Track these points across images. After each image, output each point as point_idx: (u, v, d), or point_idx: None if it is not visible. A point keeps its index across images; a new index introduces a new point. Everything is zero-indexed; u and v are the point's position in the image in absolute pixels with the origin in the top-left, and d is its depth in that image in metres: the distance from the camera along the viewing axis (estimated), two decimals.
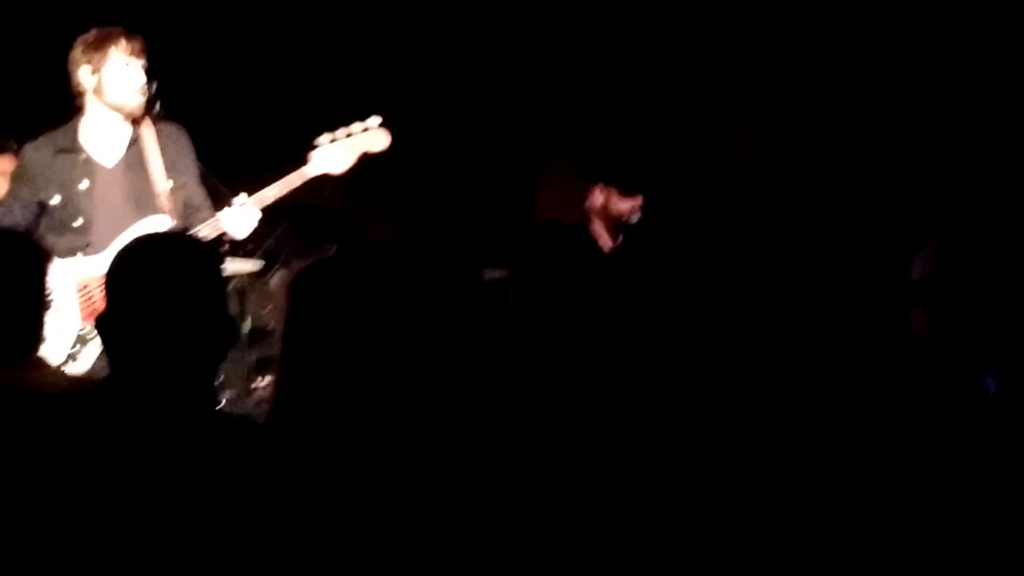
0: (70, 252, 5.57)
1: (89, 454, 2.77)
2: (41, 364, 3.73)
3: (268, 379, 7.19)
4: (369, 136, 5.84)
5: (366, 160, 5.85)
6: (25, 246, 3.83)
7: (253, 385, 7.04)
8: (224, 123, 6.76)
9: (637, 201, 6.88)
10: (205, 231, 5.65)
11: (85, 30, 5.69)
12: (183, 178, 5.79)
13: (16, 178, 5.73)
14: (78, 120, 5.73)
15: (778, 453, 3.43)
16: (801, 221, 7.56)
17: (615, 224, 6.92)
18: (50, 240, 5.55)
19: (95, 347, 5.51)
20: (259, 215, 5.67)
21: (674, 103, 8.39)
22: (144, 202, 5.68)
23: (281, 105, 8.34)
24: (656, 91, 8.44)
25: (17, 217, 5.61)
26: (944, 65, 7.50)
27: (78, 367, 5.53)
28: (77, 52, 5.66)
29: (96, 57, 5.63)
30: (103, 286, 5.20)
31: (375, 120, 5.84)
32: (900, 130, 7.44)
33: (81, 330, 5.55)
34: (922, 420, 3.47)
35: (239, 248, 6.20)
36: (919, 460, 3.40)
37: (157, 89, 5.81)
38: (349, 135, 5.80)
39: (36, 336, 3.70)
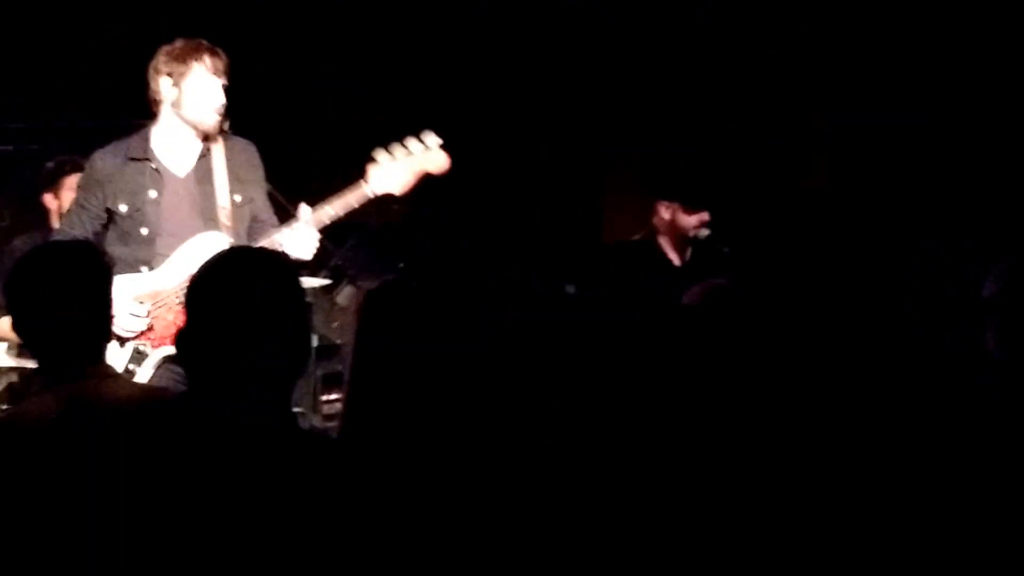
0: (134, 264, 5.50)
1: (164, 466, 2.78)
2: (113, 374, 3.76)
3: (335, 395, 7.20)
4: (428, 156, 5.72)
5: (427, 179, 5.77)
6: (93, 256, 3.86)
7: (321, 399, 7.06)
8: (282, 135, 6.75)
9: (703, 216, 6.87)
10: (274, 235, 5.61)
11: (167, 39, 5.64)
12: (250, 193, 5.74)
13: (84, 186, 5.67)
14: (150, 128, 5.66)
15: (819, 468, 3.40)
16: (867, 234, 7.50)
17: (683, 240, 6.91)
18: (116, 251, 5.51)
19: (152, 362, 5.47)
20: (318, 236, 5.60)
21: (739, 118, 8.34)
22: (208, 216, 5.63)
23: (338, 117, 8.34)
24: (720, 106, 8.40)
25: (85, 226, 5.57)
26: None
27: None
28: (159, 61, 5.60)
29: (179, 69, 5.56)
30: (162, 301, 5.25)
31: (433, 138, 5.73)
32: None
33: (140, 345, 5.50)
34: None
35: (305, 264, 6.18)
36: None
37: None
38: (407, 153, 5.69)
39: (103, 346, 3.73)
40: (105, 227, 5.60)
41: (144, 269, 5.51)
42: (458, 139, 6.14)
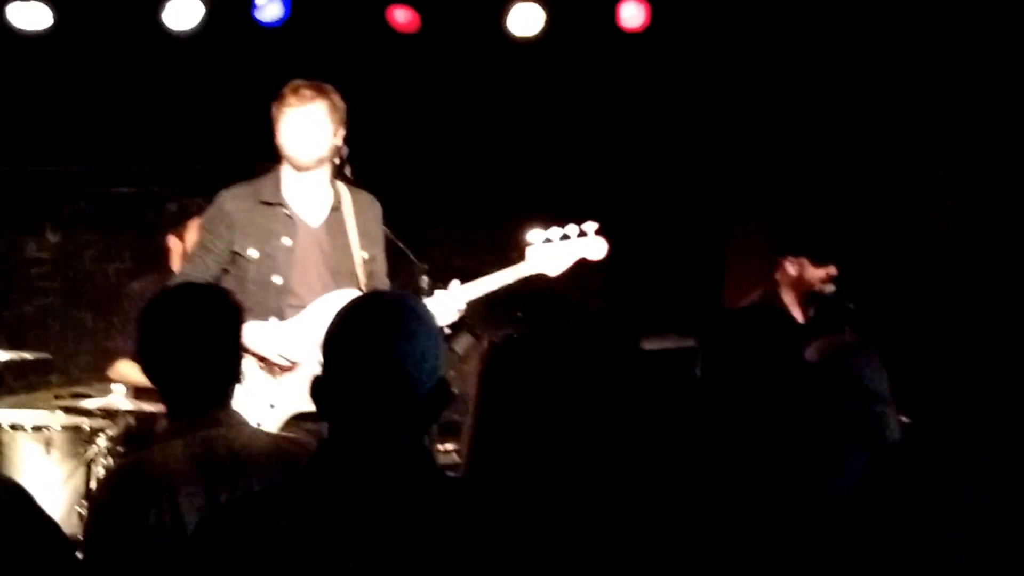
0: (261, 311, 5.41)
1: (307, 519, 2.76)
2: (241, 422, 3.75)
3: (451, 444, 7.15)
4: (587, 243, 5.75)
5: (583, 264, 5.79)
6: (224, 299, 3.86)
7: (437, 448, 7.00)
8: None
9: (831, 270, 6.76)
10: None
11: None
12: (374, 250, 5.70)
13: (210, 228, 5.57)
14: (280, 172, 5.61)
15: None
16: (995, 299, 7.35)
17: (808, 295, 6.80)
18: (243, 295, 5.29)
19: (283, 414, 5.40)
20: (463, 308, 5.62)
21: (865, 173, 8.23)
22: (340, 270, 5.57)
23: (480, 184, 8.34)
24: (846, 161, 8.30)
25: (209, 268, 5.47)
26: None
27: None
28: (273, 106, 5.59)
29: (275, 117, 5.55)
30: (299, 351, 5.18)
31: (592, 225, 5.74)
32: None
33: (272, 400, 5.43)
34: None
35: None
36: None
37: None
38: (565, 237, 5.72)
39: (231, 390, 3.73)
40: (226, 271, 5.50)
41: (272, 318, 5.44)
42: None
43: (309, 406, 4.70)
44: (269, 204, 5.54)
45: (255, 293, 5.42)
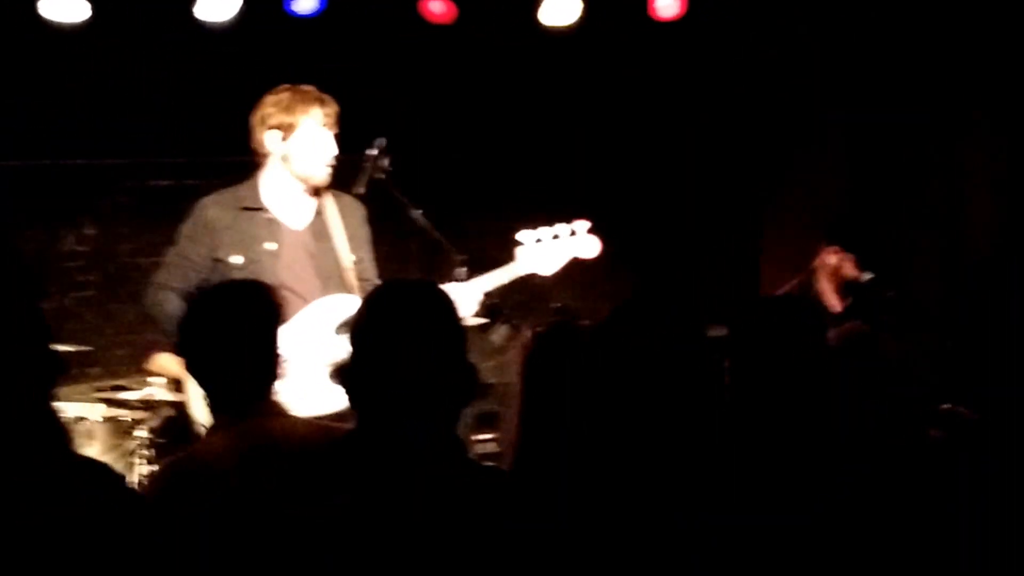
0: None
1: (350, 503, 2.82)
2: (283, 412, 3.80)
3: (488, 435, 7.17)
4: (578, 242, 5.78)
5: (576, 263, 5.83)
6: (264, 294, 3.89)
7: (474, 439, 7.04)
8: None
9: (867, 272, 6.78)
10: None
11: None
12: (361, 253, 5.66)
13: (191, 236, 5.48)
14: (258, 177, 5.56)
15: None
16: None
17: (845, 284, 6.82)
18: None
19: None
20: (479, 299, 5.63)
21: (911, 168, 8.21)
22: (328, 274, 5.53)
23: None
24: (890, 154, 8.29)
25: (188, 277, 5.39)
26: None
27: None
28: (266, 111, 5.49)
29: (287, 122, 5.46)
30: (291, 359, 4.93)
31: (583, 224, 5.77)
32: None
33: None
34: None
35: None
36: None
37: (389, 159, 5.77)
38: (556, 237, 5.73)
39: (272, 384, 3.77)
40: (208, 277, 5.38)
41: None
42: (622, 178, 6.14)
43: (305, 410, 4.72)
44: (251, 209, 5.50)
45: None
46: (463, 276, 5.65)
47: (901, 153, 8.24)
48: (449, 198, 7.01)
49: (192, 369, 3.76)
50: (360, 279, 5.58)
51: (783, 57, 8.41)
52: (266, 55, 7.63)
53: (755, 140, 8.73)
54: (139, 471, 6.00)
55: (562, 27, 7.66)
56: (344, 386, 2.97)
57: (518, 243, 5.71)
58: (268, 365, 3.76)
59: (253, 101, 5.57)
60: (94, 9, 7.09)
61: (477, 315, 7.37)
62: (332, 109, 5.50)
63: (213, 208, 5.49)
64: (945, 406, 4.61)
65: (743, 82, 8.56)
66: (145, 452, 6.00)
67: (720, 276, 8.60)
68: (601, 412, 3.19)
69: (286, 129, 5.45)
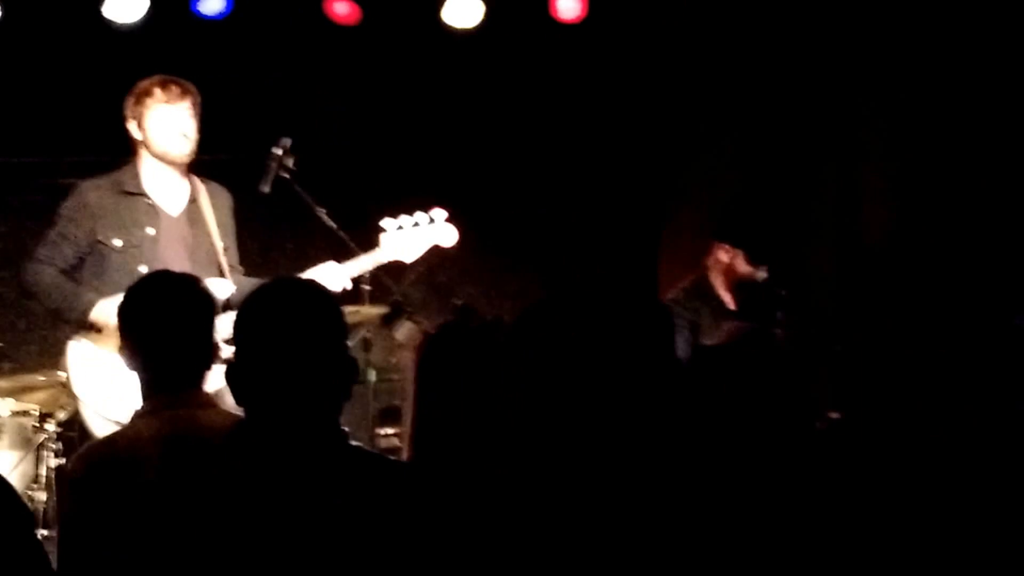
0: None
1: (228, 492, 2.87)
2: (211, 403, 3.87)
3: (391, 429, 7.23)
4: (436, 229, 5.93)
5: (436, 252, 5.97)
6: (199, 288, 3.97)
7: (378, 432, 7.10)
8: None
9: (762, 270, 6.80)
10: None
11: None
12: (228, 240, 5.84)
13: (71, 217, 5.65)
14: (137, 164, 5.74)
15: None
16: (931, 290, 7.41)
17: (739, 283, 6.84)
18: (97, 285, 5.53)
19: None
20: (346, 284, 5.75)
21: (804, 164, 8.35)
22: (203, 260, 5.69)
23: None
24: (786, 152, 8.42)
25: (67, 255, 5.58)
26: None
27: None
28: (126, 105, 5.73)
29: (138, 111, 5.68)
30: None
31: (441, 213, 5.92)
32: None
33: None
34: None
35: (364, 298, 6.24)
36: None
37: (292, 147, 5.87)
38: (416, 225, 5.87)
39: (204, 374, 3.86)
40: (82, 260, 5.60)
41: None
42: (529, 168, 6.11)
43: None
44: (131, 194, 5.67)
45: (119, 282, 5.41)
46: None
47: (795, 150, 8.34)
48: (354, 196, 7.08)
49: (128, 352, 3.83)
50: (231, 266, 5.78)
51: (682, 56, 8.48)
52: (173, 55, 7.67)
53: (655, 139, 8.78)
54: (48, 464, 6.03)
55: (465, 28, 7.76)
56: (228, 382, 3.01)
57: (382, 230, 5.86)
58: (202, 355, 3.83)
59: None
60: (4, 9, 7.13)
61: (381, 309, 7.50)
62: (176, 88, 5.68)
63: (94, 191, 5.67)
64: (833, 415, 4.67)
65: (643, 81, 8.63)
66: (53, 446, 6.04)
67: (619, 274, 8.64)
68: (494, 408, 3.24)
69: (139, 117, 5.68)
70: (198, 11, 7.50)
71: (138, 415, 3.79)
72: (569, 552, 2.91)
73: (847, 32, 7.95)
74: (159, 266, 5.47)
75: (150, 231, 5.63)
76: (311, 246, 7.12)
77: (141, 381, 3.83)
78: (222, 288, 5.49)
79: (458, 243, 6.07)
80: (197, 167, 5.92)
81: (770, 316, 6.77)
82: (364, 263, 5.83)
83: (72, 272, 5.63)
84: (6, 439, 6.07)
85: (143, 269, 5.48)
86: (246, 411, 3.00)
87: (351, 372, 3.03)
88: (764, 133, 8.45)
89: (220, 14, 7.50)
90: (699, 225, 7.82)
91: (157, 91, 5.66)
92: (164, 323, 3.78)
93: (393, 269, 6.26)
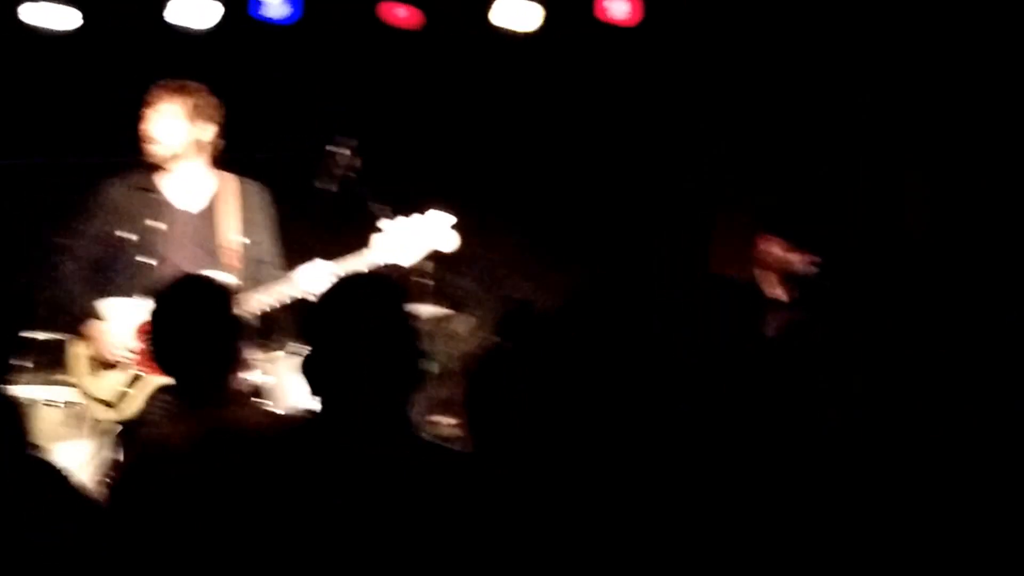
0: (134, 292, 5.60)
1: (299, 487, 2.96)
2: (246, 401, 4.05)
3: (450, 419, 7.38)
4: (435, 233, 5.86)
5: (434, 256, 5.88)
6: (227, 290, 4.08)
7: (437, 421, 7.23)
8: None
9: (808, 257, 6.89)
10: (281, 286, 5.69)
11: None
12: (259, 236, 5.89)
13: (87, 212, 5.78)
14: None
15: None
16: (967, 281, 7.47)
17: (786, 276, 6.94)
18: (114, 277, 5.65)
19: (147, 389, 5.56)
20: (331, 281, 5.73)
21: (846, 158, 8.46)
22: (217, 255, 5.77)
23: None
24: (829, 144, 8.52)
25: (84, 248, 5.71)
26: None
27: (122, 413, 5.57)
28: (143, 110, 5.81)
29: (147, 114, 5.79)
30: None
31: (443, 217, 5.85)
32: None
33: (139, 371, 5.59)
34: None
35: (426, 295, 6.37)
36: None
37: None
38: (414, 227, 5.82)
39: (235, 374, 3.96)
40: (97, 254, 5.72)
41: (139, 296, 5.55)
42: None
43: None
44: (145, 190, 5.78)
45: (131, 275, 5.65)
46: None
47: (841, 144, 8.42)
48: (407, 196, 7.23)
49: (158, 359, 3.94)
50: (255, 260, 5.83)
51: (727, 53, 8.56)
52: (239, 59, 7.86)
53: (703, 136, 8.89)
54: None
55: (521, 32, 7.91)
56: (304, 374, 3.09)
57: (378, 230, 5.82)
58: (231, 356, 3.93)
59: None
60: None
61: (443, 306, 7.64)
62: (179, 95, 5.79)
63: (110, 188, 5.81)
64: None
65: (691, 80, 8.73)
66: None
67: (671, 268, 8.73)
68: (550, 401, 3.29)
69: (148, 119, 5.82)
70: (263, 16, 7.68)
71: (174, 413, 3.89)
72: (627, 541, 3.06)
73: (890, 27, 8.03)
74: (169, 260, 5.67)
75: (160, 226, 5.74)
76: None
77: (176, 383, 3.93)
78: (225, 280, 5.50)
79: (512, 239, 6.10)
80: (256, 166, 6.08)
81: (816, 309, 6.82)
82: (353, 263, 5.75)
83: (87, 265, 5.75)
84: (85, 428, 6.14)
85: (152, 263, 5.66)
86: (321, 403, 3.08)
87: (421, 366, 3.13)
88: (810, 127, 8.52)
89: (288, 19, 7.68)
90: (748, 219, 7.88)
91: (162, 100, 5.79)
92: (188, 326, 3.87)
93: (451, 264, 6.38)
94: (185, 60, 7.28)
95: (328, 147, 6.18)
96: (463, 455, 3.38)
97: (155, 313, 3.95)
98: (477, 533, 2.96)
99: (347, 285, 3.27)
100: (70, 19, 7.47)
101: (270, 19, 7.70)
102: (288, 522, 2.92)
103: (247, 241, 5.84)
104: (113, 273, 5.70)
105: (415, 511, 2.93)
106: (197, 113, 5.78)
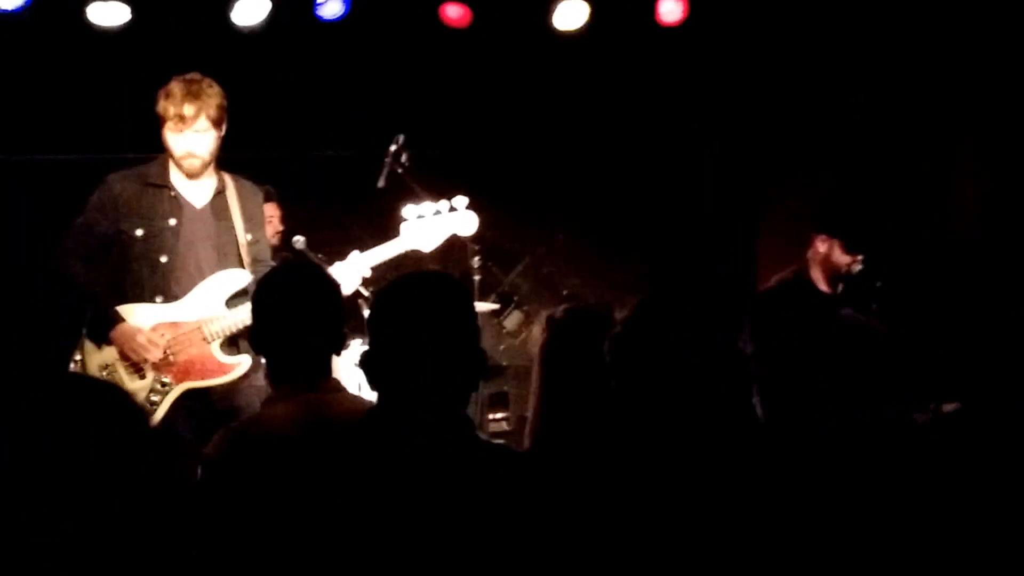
0: (146, 289, 5.56)
1: (389, 478, 2.93)
2: (340, 388, 3.93)
3: (500, 414, 7.42)
4: (457, 218, 5.80)
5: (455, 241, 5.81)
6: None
7: (487, 418, 7.28)
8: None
9: (859, 258, 6.90)
10: None
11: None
12: (257, 233, 5.83)
13: (98, 208, 5.66)
14: (166, 157, 5.73)
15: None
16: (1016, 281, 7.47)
17: (835, 275, 6.96)
18: (122, 275, 5.57)
19: (173, 396, 5.50)
20: (365, 274, 5.66)
21: (900, 157, 8.47)
22: (225, 251, 5.70)
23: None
24: (883, 145, 8.54)
25: (92, 244, 5.60)
26: None
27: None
28: (156, 101, 5.69)
29: (159, 114, 5.65)
30: (185, 336, 5.41)
31: (462, 200, 5.80)
32: None
33: (163, 377, 5.52)
34: None
35: (474, 288, 6.38)
36: None
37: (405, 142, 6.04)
38: (437, 213, 5.77)
39: (331, 360, 3.92)
40: (107, 250, 5.62)
41: (158, 298, 5.57)
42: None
43: (198, 381, 5.09)
44: (156, 186, 5.69)
45: (140, 272, 5.57)
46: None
47: (891, 142, 8.43)
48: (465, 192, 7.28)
49: (257, 343, 3.93)
50: (256, 259, 5.75)
51: (777, 53, 8.60)
52: (295, 56, 7.92)
53: (753, 134, 8.94)
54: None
55: (571, 31, 7.92)
56: (364, 369, 3.08)
57: (403, 219, 5.78)
58: (331, 341, 3.89)
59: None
60: (134, 11, 7.48)
61: (491, 301, 7.69)
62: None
63: (119, 183, 5.69)
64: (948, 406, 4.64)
65: (741, 79, 8.77)
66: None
67: (719, 267, 8.76)
68: (619, 396, 3.32)
69: (159, 120, 5.68)
70: (318, 15, 7.69)
71: (272, 399, 3.85)
72: (686, 542, 3.06)
73: (941, 28, 8.03)
74: (180, 257, 5.60)
75: (171, 222, 5.65)
76: None
77: (271, 366, 3.92)
78: (241, 279, 5.61)
79: (564, 235, 6.14)
80: (312, 163, 6.08)
81: (866, 307, 6.85)
82: (384, 252, 5.71)
83: (96, 262, 5.68)
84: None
85: (164, 259, 5.59)
86: (379, 397, 3.09)
87: (480, 365, 3.12)
88: (860, 126, 8.53)
89: (338, 17, 7.70)
90: (797, 218, 7.91)
91: (166, 118, 5.63)
92: (298, 311, 3.83)
93: (503, 260, 6.43)
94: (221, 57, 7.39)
95: (391, 146, 6.15)
96: (521, 454, 3.44)
97: (260, 300, 3.94)
98: (536, 531, 2.95)
99: (408, 281, 3.24)
100: (120, 15, 7.52)
101: (323, 17, 7.73)
102: (352, 515, 2.92)
103: (250, 238, 5.80)
104: (126, 268, 5.63)
105: (474, 510, 2.93)
106: (221, 115, 5.71)
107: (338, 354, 3.93)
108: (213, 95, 5.66)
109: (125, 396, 2.20)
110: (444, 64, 8.43)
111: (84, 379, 3.09)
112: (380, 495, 2.91)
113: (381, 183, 6.19)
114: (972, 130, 8.18)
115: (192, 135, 5.62)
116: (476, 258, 6.63)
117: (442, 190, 6.15)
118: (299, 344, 3.83)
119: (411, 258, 5.76)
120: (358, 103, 8.14)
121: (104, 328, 5.56)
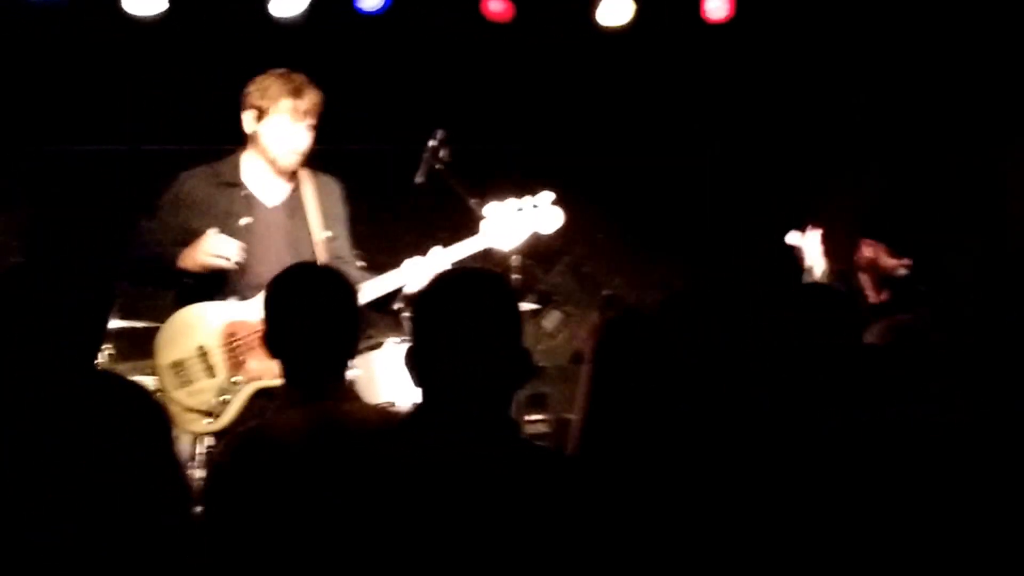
0: (219, 289, 5.50)
1: (408, 485, 2.88)
2: (355, 396, 3.88)
3: (538, 415, 7.36)
4: (540, 215, 5.72)
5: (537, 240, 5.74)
6: (342, 279, 3.94)
7: (525, 419, 7.22)
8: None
9: (905, 262, 6.85)
10: (391, 277, 5.57)
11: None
12: (336, 230, 5.76)
13: (170, 206, 5.62)
14: (240, 154, 5.70)
15: None
16: None
17: (882, 279, 6.90)
18: (200, 274, 5.47)
19: (244, 395, 5.44)
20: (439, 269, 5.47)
21: (950, 163, 8.37)
22: (302, 250, 5.62)
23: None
24: (931, 150, 8.45)
25: (163, 244, 5.52)
26: None
27: (219, 422, 5.40)
28: (248, 92, 5.66)
29: (262, 107, 5.61)
30: (253, 334, 5.25)
31: (547, 196, 5.72)
32: None
33: (236, 377, 5.45)
34: None
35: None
36: None
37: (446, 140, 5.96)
38: (520, 210, 5.70)
39: (346, 366, 3.84)
40: (180, 247, 5.51)
41: (232, 298, 5.51)
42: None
43: (271, 381, 4.88)
44: (228, 185, 5.64)
45: (212, 272, 5.49)
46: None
47: (939, 147, 8.36)
48: (506, 188, 7.22)
49: (272, 347, 3.83)
50: (334, 256, 5.67)
51: (824, 55, 8.53)
52: (334, 49, 7.87)
53: (800, 136, 8.85)
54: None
55: (616, 27, 7.86)
56: (408, 367, 3.03)
57: (482, 216, 5.72)
58: (346, 348, 3.83)
59: (325, 92, 5.81)
60: (172, 4, 7.43)
61: (529, 301, 7.61)
62: (309, 102, 5.61)
63: (190, 181, 5.65)
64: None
65: (789, 80, 8.70)
66: None
67: (765, 269, 8.70)
68: (670, 397, 3.31)
69: (260, 112, 5.61)
70: (358, 7, 7.66)
71: (284, 405, 3.79)
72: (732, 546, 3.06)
73: (990, 30, 7.97)
74: (254, 256, 5.51)
75: (245, 221, 5.59)
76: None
77: (285, 371, 3.82)
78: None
79: (604, 234, 6.11)
80: (353, 159, 6.02)
81: (912, 312, 6.79)
82: (466, 249, 5.66)
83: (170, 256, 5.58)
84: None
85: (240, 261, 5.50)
86: (423, 394, 3.03)
87: (525, 365, 3.07)
88: (908, 131, 8.46)
89: (378, 10, 7.66)
90: (843, 222, 7.87)
91: (286, 102, 5.59)
92: (310, 315, 3.76)
93: (542, 259, 6.36)
94: (269, 50, 7.34)
95: (430, 141, 6.07)
96: (568, 458, 3.37)
97: (272, 301, 3.85)
98: (581, 536, 2.90)
99: (455, 278, 3.21)
100: (157, 5, 7.45)
101: (362, 10, 7.68)
102: (388, 518, 2.86)
103: (329, 235, 5.72)
104: (196, 271, 5.52)
105: (517, 511, 2.88)
106: (317, 111, 5.67)
107: (352, 359, 3.85)
108: (315, 88, 5.65)
109: (144, 396, 2.13)
110: (485, 59, 8.35)
111: (103, 377, 3.00)
112: (421, 494, 2.86)
113: (419, 179, 6.09)
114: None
115: (305, 129, 5.60)
116: (515, 256, 6.52)
117: (483, 187, 6.08)
118: (312, 348, 3.75)
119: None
120: (397, 97, 8.08)
121: (176, 274, 5.51)
